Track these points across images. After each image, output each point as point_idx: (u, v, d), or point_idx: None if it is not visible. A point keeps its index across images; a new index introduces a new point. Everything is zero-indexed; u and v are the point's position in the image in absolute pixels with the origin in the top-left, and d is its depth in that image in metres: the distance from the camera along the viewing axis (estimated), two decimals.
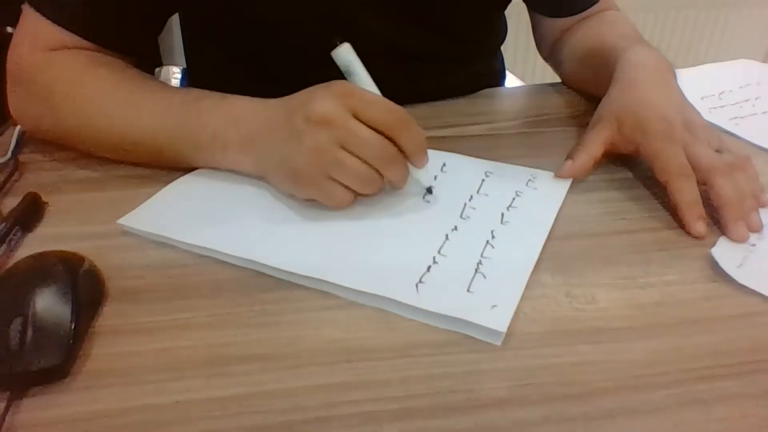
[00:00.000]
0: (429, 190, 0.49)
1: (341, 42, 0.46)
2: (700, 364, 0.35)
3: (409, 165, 0.46)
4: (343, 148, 0.42)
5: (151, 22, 0.60)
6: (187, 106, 0.50)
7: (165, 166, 0.52)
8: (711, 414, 0.32)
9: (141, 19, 0.57)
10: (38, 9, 0.53)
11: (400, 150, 0.44)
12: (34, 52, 0.54)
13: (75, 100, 0.52)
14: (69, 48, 0.54)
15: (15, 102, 0.55)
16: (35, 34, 0.54)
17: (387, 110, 0.43)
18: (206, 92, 0.51)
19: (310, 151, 0.43)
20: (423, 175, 0.48)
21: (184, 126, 0.49)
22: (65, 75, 0.53)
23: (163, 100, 0.51)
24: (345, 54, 0.46)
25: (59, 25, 0.53)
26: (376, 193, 0.46)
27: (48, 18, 0.53)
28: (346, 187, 0.44)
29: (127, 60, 0.57)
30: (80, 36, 0.54)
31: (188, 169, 0.52)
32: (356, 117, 0.42)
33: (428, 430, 0.32)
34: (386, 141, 0.43)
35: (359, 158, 0.43)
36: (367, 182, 0.44)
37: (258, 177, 0.49)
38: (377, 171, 0.44)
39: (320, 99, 0.43)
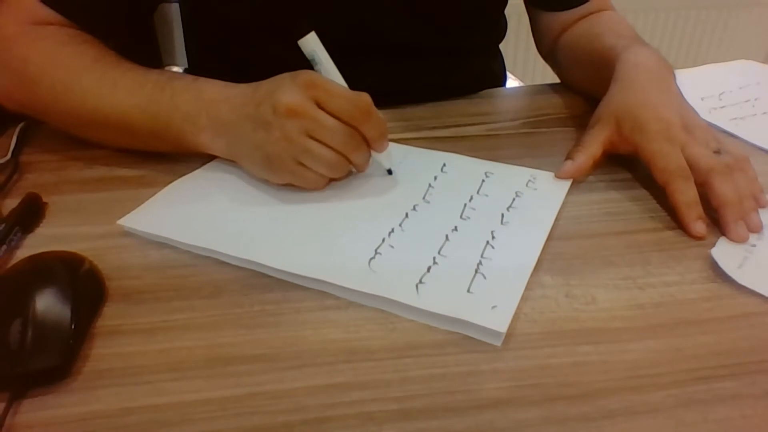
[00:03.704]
0: (389, 172, 0.52)
1: (308, 29, 0.47)
2: (700, 365, 0.35)
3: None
4: (310, 136, 0.45)
5: (134, 8, 0.61)
6: (161, 85, 0.50)
7: (136, 146, 0.53)
8: (710, 414, 0.32)
9: (125, 5, 0.58)
10: None
11: (362, 137, 0.47)
12: (12, 25, 0.54)
13: (52, 74, 0.52)
14: (53, 23, 0.55)
15: None
16: (19, 7, 0.55)
17: (349, 101, 0.45)
18: (180, 74, 0.52)
19: (279, 140, 0.45)
20: (384, 158, 0.51)
21: (157, 104, 0.50)
22: (43, 49, 0.53)
23: (138, 77, 0.51)
24: (310, 43, 0.47)
25: (42, 1, 0.54)
26: (344, 176, 0.49)
27: None
28: (316, 171, 0.47)
29: (108, 43, 0.57)
30: (61, 14, 0.55)
31: (187, 170, 0.52)
32: (320, 107, 0.44)
33: (428, 431, 0.32)
34: (349, 129, 0.45)
35: (326, 145, 0.45)
36: (335, 167, 0.47)
37: (229, 160, 0.51)
38: (343, 156, 0.47)
39: (287, 90, 0.45)
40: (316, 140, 0.45)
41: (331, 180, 0.49)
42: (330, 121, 0.45)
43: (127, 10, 0.60)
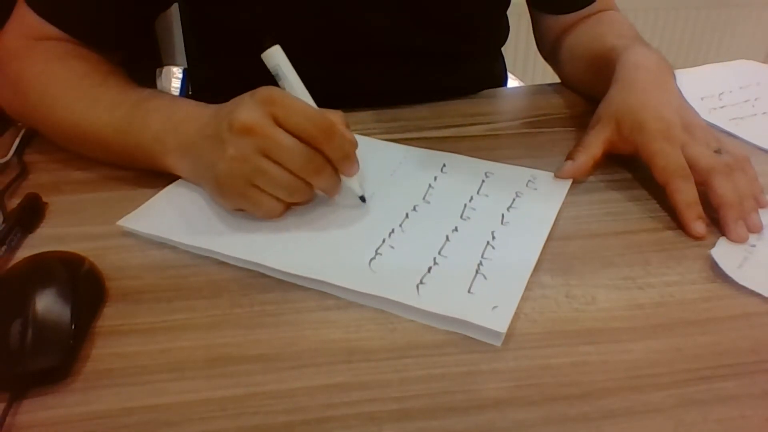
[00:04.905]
0: (362, 199, 0.47)
1: (271, 44, 0.44)
2: (700, 365, 0.35)
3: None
4: (266, 156, 0.41)
5: (134, 20, 0.61)
6: (138, 104, 0.50)
7: (114, 162, 0.53)
8: (710, 414, 0.32)
9: (123, 17, 0.58)
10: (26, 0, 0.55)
11: (327, 158, 0.43)
12: (16, 39, 0.55)
13: (41, 88, 0.53)
14: (54, 38, 0.55)
15: None
16: (22, 23, 0.56)
17: (309, 118, 0.41)
18: (160, 93, 0.51)
19: (231, 159, 0.42)
20: (354, 184, 0.46)
21: (130, 123, 0.49)
22: (38, 63, 0.54)
23: (119, 96, 0.51)
24: (273, 57, 0.45)
25: (41, 16, 0.55)
26: (306, 202, 0.46)
27: (32, 8, 0.55)
28: (273, 195, 0.43)
29: (109, 56, 0.57)
30: (60, 29, 0.55)
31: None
32: (279, 125, 0.41)
33: (428, 431, 0.32)
34: (310, 149, 0.42)
35: (283, 167, 0.42)
36: (293, 191, 0.43)
37: (197, 186, 0.49)
38: (303, 179, 0.43)
39: (244, 106, 0.42)
40: (273, 160, 0.42)
41: (292, 205, 0.46)
42: (287, 139, 0.41)
43: (127, 23, 0.60)
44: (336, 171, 0.44)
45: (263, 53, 0.45)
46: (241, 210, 0.45)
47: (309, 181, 0.43)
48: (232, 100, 0.44)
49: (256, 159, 0.41)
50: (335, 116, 0.44)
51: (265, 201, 0.44)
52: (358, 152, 0.46)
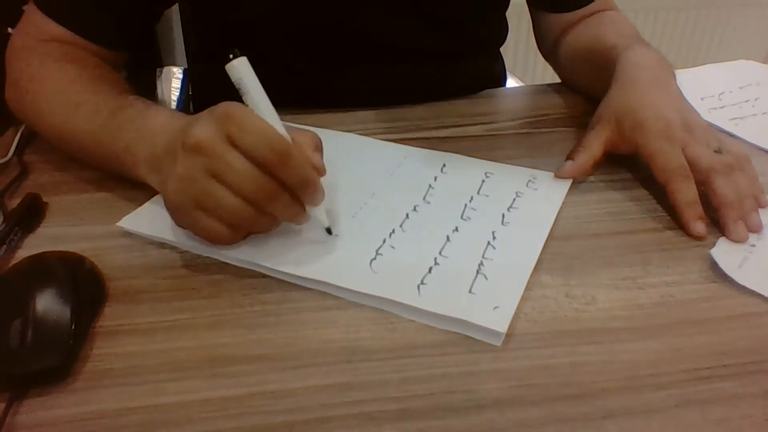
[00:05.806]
0: (328, 231, 0.43)
1: (237, 55, 0.40)
2: (700, 365, 0.35)
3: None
4: (215, 177, 0.38)
5: (136, 18, 0.61)
6: (115, 113, 0.48)
7: (100, 169, 0.52)
8: (710, 414, 0.32)
9: (125, 15, 0.58)
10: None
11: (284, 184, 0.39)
12: (23, 38, 0.56)
13: (36, 89, 0.53)
14: (57, 40, 0.55)
15: (4, 83, 0.57)
16: (29, 23, 0.56)
17: (265, 138, 0.37)
18: (137, 101, 0.49)
19: (179, 179, 0.39)
20: (320, 214, 0.42)
21: (105, 133, 0.48)
22: (35, 64, 0.54)
23: (98, 104, 0.50)
24: (236, 70, 0.40)
25: (45, 13, 0.55)
26: (266, 230, 0.42)
27: (37, 7, 0.55)
28: (221, 221, 0.39)
29: (110, 56, 0.58)
30: (63, 26, 0.55)
31: None
32: (232, 144, 0.38)
33: (428, 431, 0.32)
34: (262, 174, 0.38)
35: (232, 190, 0.38)
36: (243, 218, 0.39)
37: None
38: (254, 205, 0.39)
39: (200, 123, 0.39)
40: (223, 183, 0.38)
41: (251, 233, 0.43)
42: (237, 162, 0.37)
43: (129, 22, 0.60)
44: (297, 198, 0.40)
45: (226, 65, 0.40)
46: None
47: (263, 208, 0.39)
48: (197, 114, 0.41)
49: (204, 180, 0.38)
50: (305, 138, 0.41)
51: (211, 226, 0.40)
52: (358, 152, 0.45)
